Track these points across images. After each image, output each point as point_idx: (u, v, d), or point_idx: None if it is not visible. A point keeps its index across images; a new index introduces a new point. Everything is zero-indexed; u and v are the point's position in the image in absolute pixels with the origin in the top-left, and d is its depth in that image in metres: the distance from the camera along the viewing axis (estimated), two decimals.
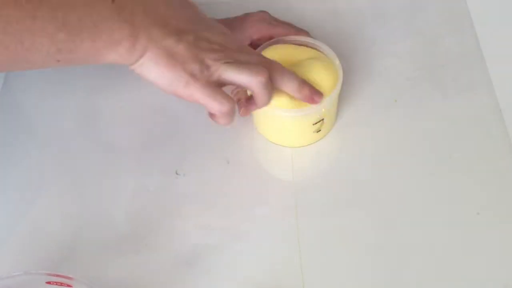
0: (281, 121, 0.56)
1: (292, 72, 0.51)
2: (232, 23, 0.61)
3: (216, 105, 0.47)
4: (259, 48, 0.57)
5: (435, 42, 0.65)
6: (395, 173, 0.56)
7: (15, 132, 0.61)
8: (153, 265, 0.52)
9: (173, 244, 0.53)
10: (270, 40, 0.58)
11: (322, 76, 0.54)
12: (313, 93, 0.52)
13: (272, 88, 0.49)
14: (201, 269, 0.52)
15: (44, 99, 0.63)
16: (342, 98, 0.60)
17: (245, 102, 0.53)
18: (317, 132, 0.57)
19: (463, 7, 0.67)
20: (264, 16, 0.61)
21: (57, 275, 0.44)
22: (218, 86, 0.47)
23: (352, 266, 0.51)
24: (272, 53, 0.56)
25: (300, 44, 0.58)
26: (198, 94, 0.46)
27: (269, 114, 0.55)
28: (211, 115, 0.48)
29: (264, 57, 0.51)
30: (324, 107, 0.54)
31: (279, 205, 0.55)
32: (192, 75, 0.45)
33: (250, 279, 0.51)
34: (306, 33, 0.61)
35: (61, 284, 0.44)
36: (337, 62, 0.56)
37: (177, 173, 0.57)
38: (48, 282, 0.44)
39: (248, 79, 0.47)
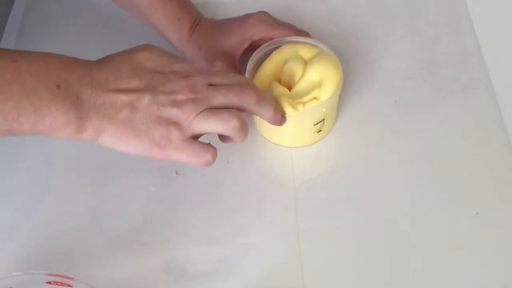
0: None
1: (266, 94, 0.50)
2: (232, 24, 0.61)
3: (197, 160, 0.45)
4: (258, 49, 0.57)
5: (435, 42, 0.65)
6: (395, 173, 0.56)
7: None
8: (153, 265, 0.52)
9: (173, 244, 0.53)
10: (270, 41, 0.58)
11: (332, 71, 0.54)
12: (282, 117, 0.51)
13: (246, 125, 0.47)
14: (201, 269, 0.52)
15: None
16: (342, 98, 0.60)
17: (220, 138, 0.50)
18: (318, 132, 0.57)
19: (463, 7, 0.67)
20: (265, 17, 0.60)
21: (57, 275, 0.44)
22: (194, 139, 0.46)
23: (351, 266, 0.51)
24: (289, 49, 0.57)
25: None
26: (176, 155, 0.45)
27: None
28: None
29: (235, 78, 0.48)
30: (325, 107, 0.54)
31: (279, 205, 0.55)
32: (163, 138, 0.44)
33: (250, 279, 0.51)
34: (306, 33, 0.61)
35: (61, 284, 0.44)
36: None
37: (177, 173, 0.57)
38: (48, 282, 0.44)
39: (222, 128, 0.46)
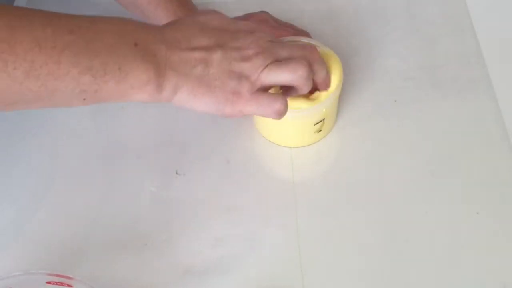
0: (282, 121, 0.56)
1: (322, 58, 0.51)
2: None
3: (269, 110, 0.47)
4: None
5: (435, 42, 0.65)
6: (395, 173, 0.56)
7: (20, 132, 0.61)
8: (153, 265, 0.52)
9: (173, 244, 0.53)
10: None
11: (332, 71, 0.54)
12: (329, 81, 0.53)
13: (312, 75, 0.49)
14: (201, 269, 0.52)
15: None
16: (342, 98, 0.60)
17: (284, 93, 0.52)
18: (318, 132, 0.57)
19: (463, 7, 0.67)
20: (266, 17, 0.60)
21: (57, 275, 0.44)
22: (263, 91, 0.47)
23: (352, 266, 0.51)
24: None
25: None
26: (248, 108, 0.46)
27: None
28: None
29: (297, 45, 0.50)
30: (325, 107, 0.54)
31: (279, 205, 0.55)
32: (235, 93, 0.45)
33: (250, 279, 0.51)
34: (307, 34, 0.61)
35: (62, 284, 0.44)
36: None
37: (177, 173, 0.57)
38: (49, 282, 0.44)
39: (290, 77, 0.47)
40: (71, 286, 0.44)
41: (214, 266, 0.52)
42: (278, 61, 0.47)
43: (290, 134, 0.58)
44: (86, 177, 0.58)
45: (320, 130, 0.57)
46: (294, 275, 0.51)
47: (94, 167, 0.58)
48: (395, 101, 0.61)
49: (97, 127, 0.61)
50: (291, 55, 0.48)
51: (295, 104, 0.53)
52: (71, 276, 0.44)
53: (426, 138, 0.58)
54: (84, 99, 0.42)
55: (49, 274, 0.44)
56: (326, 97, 0.53)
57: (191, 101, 0.45)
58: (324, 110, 0.54)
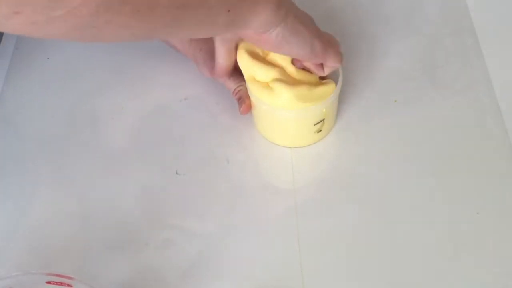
0: (282, 121, 0.56)
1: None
2: None
3: (339, 58, 0.53)
4: None
5: (435, 42, 0.65)
6: (395, 173, 0.56)
7: (15, 131, 0.61)
8: (153, 265, 0.52)
9: (173, 244, 0.53)
10: None
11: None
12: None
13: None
14: (201, 269, 0.52)
15: (45, 97, 0.63)
16: (342, 98, 0.60)
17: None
18: (318, 132, 0.57)
19: (463, 7, 0.67)
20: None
21: (57, 275, 0.44)
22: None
23: (352, 266, 0.51)
24: None
25: None
26: (331, 53, 0.52)
27: (269, 114, 0.55)
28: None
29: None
30: (325, 107, 0.54)
31: (279, 205, 0.55)
32: (322, 42, 0.51)
33: (250, 279, 0.51)
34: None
35: (61, 284, 0.44)
36: None
37: (177, 173, 0.57)
38: (48, 282, 0.44)
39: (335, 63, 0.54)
40: (71, 286, 0.44)
41: (214, 266, 0.52)
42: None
43: (290, 134, 0.58)
44: (87, 177, 0.58)
45: (320, 130, 0.57)
46: (294, 275, 0.51)
47: (94, 166, 0.58)
48: (395, 101, 0.61)
49: (97, 127, 0.61)
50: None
51: (297, 105, 0.53)
52: (71, 276, 0.44)
53: (426, 138, 0.58)
54: (228, 11, 0.45)
55: (49, 274, 0.44)
56: (326, 97, 0.53)
57: (292, 30, 0.49)
58: (324, 110, 0.54)
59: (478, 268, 0.50)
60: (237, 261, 0.52)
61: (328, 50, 0.52)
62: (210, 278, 0.51)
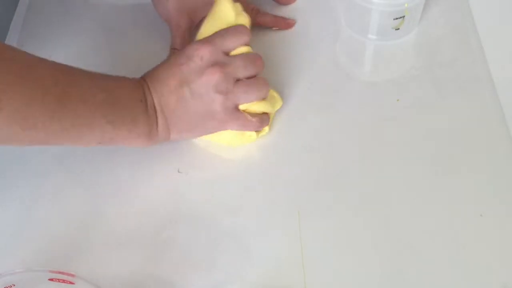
0: None
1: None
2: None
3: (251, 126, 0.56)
4: None
5: (436, 42, 0.65)
6: (397, 173, 0.56)
7: None
8: (155, 263, 0.52)
9: (175, 242, 0.53)
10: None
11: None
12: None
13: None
14: (202, 269, 0.52)
15: None
16: (342, 98, 0.60)
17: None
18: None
19: (465, 6, 0.67)
20: (250, 5, 0.62)
21: (60, 272, 0.44)
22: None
23: (354, 267, 0.51)
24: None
25: None
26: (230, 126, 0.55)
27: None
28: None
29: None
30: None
31: (281, 205, 0.55)
32: (216, 120, 0.55)
33: (251, 279, 0.51)
34: (294, 22, 0.64)
35: (64, 281, 0.44)
36: None
37: (179, 171, 0.57)
38: (51, 279, 0.44)
39: (256, 97, 0.56)
40: (74, 283, 0.45)
41: (215, 265, 0.52)
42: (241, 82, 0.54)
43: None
44: (89, 176, 0.58)
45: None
46: (296, 275, 0.50)
47: (97, 165, 0.58)
48: (397, 100, 0.61)
49: None
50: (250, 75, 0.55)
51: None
52: (73, 273, 0.45)
53: (429, 138, 0.58)
54: (99, 143, 0.51)
55: (52, 271, 0.44)
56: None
57: (184, 137, 0.56)
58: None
59: (481, 270, 0.50)
60: (238, 261, 0.52)
61: (227, 124, 0.55)
62: (211, 277, 0.51)
